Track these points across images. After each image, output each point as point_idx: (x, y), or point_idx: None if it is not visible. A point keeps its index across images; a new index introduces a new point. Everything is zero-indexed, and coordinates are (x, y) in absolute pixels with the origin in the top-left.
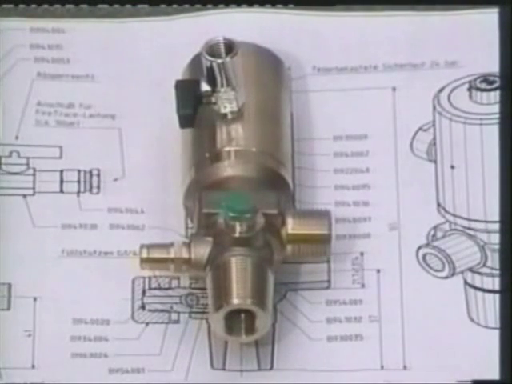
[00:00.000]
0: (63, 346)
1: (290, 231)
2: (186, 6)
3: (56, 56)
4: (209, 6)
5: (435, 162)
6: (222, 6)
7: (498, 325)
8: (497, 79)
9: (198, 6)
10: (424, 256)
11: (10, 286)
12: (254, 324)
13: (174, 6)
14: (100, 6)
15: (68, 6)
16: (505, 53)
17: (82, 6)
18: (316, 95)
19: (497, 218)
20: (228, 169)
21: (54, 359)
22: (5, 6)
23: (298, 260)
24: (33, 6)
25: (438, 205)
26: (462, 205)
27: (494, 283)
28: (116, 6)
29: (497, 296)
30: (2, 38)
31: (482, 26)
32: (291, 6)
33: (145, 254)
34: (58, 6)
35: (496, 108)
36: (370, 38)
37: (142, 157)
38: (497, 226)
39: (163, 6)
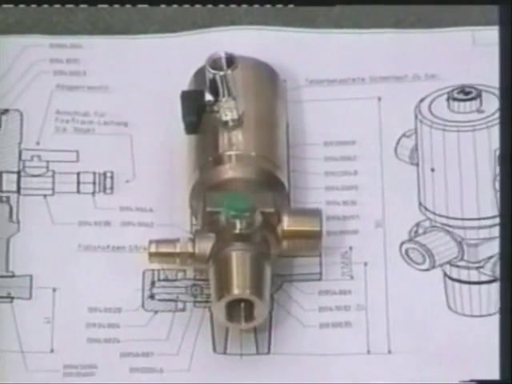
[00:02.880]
0: (79, 332)
1: (285, 228)
2: (186, 5)
3: (73, 69)
4: (211, 6)
5: (417, 165)
6: (224, 24)
7: (473, 313)
8: (473, 90)
9: (200, 22)
10: (407, 250)
11: (31, 277)
12: (252, 312)
13: (174, 5)
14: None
15: (84, 23)
16: (505, 51)
17: (97, 24)
18: (309, 105)
19: (473, 215)
20: (229, 171)
21: (70, 344)
22: (26, 23)
23: (292, 254)
24: (52, 23)
25: (420, 204)
26: (441, 204)
27: (470, 275)
28: (116, 5)
29: (472, 286)
30: (24, 53)
31: (459, 43)
32: (291, 6)
33: (153, 249)
34: (75, 23)
35: (472, 116)
36: (358, 53)
37: (151, 160)
38: (473, 223)
39: (162, 5)
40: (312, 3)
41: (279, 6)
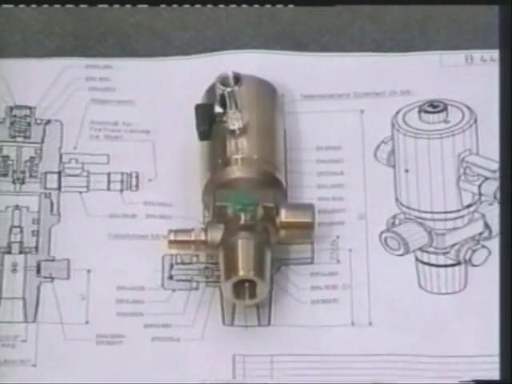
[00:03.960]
0: (109, 306)
1: (282, 220)
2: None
3: (105, 86)
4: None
5: (393, 167)
6: (231, 48)
7: (440, 291)
8: (440, 104)
9: (211, 46)
10: (385, 239)
11: (69, 261)
12: (255, 291)
13: (174, 5)
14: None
15: (114, 48)
16: (505, 52)
17: (125, 48)
18: (303, 116)
19: (441, 209)
20: (236, 172)
21: (102, 317)
22: (66, 48)
23: (289, 242)
24: (87, 47)
25: (396, 199)
26: (413, 199)
27: (438, 259)
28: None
29: (440, 269)
30: (64, 73)
31: (429, 65)
32: (291, 6)
33: (172, 237)
34: (107, 48)
35: (439, 126)
36: (344, 72)
37: (170, 162)
38: (440, 216)
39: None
40: (312, 3)
41: (279, 6)
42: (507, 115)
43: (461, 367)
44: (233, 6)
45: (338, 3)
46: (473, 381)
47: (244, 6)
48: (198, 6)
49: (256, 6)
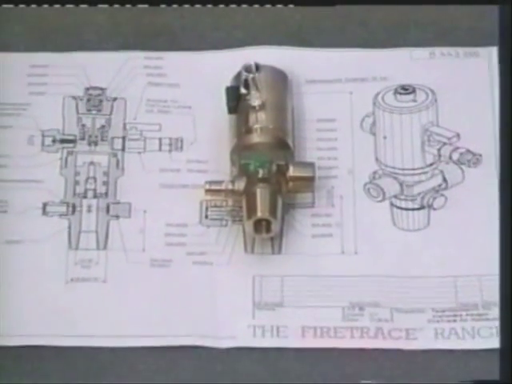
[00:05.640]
0: (160, 238)
1: (291, 174)
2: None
3: (158, 72)
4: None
5: (374, 134)
6: (253, 44)
7: (409, 228)
8: (410, 87)
9: (238, 44)
10: (368, 189)
11: (130, 204)
12: (270, 227)
13: (174, 6)
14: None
15: (165, 43)
16: (505, 52)
17: (173, 44)
18: (306, 96)
19: (410, 166)
20: (256, 138)
21: (155, 246)
22: (132, 43)
23: (295, 191)
24: (146, 44)
25: (376, 159)
26: (389, 159)
27: (407, 204)
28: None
29: (409, 212)
30: (128, 62)
31: (402, 58)
32: (291, 6)
33: (207, 187)
34: (160, 43)
35: (409, 104)
36: (338, 63)
37: (206, 130)
38: (409, 172)
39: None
40: (312, 3)
41: (279, 6)
42: (507, 115)
43: (423, 285)
44: (255, 6)
45: (338, 3)
46: (472, 381)
47: (256, 6)
48: (229, 8)
49: (256, 5)
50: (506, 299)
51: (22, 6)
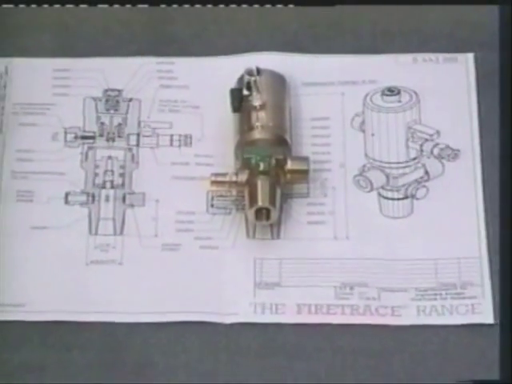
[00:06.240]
0: (171, 224)
1: (288, 167)
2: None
3: (169, 76)
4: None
5: (364, 131)
6: (255, 50)
7: (394, 215)
8: (395, 89)
9: (241, 50)
10: (358, 180)
11: (144, 194)
12: (269, 215)
13: (174, 5)
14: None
15: (176, 49)
16: (505, 52)
17: (183, 50)
18: (303, 97)
19: (394, 160)
20: (257, 134)
21: (166, 232)
22: (145, 49)
23: (292, 182)
24: (158, 50)
25: (365, 154)
26: (377, 154)
27: (393, 195)
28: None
29: (395, 201)
30: (142, 66)
31: (388, 63)
32: (291, 6)
33: (213, 178)
34: (171, 49)
35: (394, 104)
36: (331, 67)
37: (213, 128)
38: (394, 165)
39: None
40: (312, 3)
41: (279, 6)
42: (507, 116)
43: (407, 267)
44: (258, 29)
45: (337, 3)
46: (471, 381)
47: (256, 6)
48: (233, 17)
49: (256, 6)
50: (505, 299)
51: (47, 16)
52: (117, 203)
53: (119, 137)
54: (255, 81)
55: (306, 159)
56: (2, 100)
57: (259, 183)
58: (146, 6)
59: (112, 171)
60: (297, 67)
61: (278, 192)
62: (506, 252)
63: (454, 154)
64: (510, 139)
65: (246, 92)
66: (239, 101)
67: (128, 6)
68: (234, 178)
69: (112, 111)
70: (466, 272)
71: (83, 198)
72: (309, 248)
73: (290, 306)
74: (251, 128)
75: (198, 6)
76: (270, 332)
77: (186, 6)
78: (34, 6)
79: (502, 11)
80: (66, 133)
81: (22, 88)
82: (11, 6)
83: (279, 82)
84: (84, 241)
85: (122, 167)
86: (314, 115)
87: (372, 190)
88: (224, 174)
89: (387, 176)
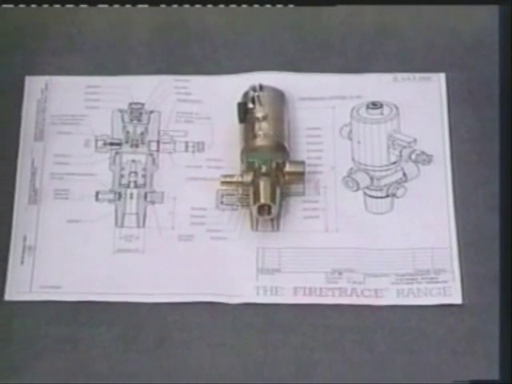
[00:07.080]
0: (186, 219)
1: (287, 170)
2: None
3: (185, 91)
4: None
5: (351, 139)
6: (258, 70)
7: (377, 211)
8: (378, 103)
9: (245, 69)
10: (346, 181)
11: (163, 192)
12: (270, 211)
13: (174, 5)
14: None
15: (191, 69)
16: (504, 52)
17: (197, 70)
18: (299, 110)
19: (377, 164)
20: (259, 142)
21: (182, 224)
22: (164, 68)
23: (290, 183)
24: (176, 69)
25: (352, 159)
26: (362, 158)
27: (376, 193)
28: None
29: (378, 199)
30: (162, 83)
31: (371, 81)
32: (291, 6)
33: (222, 179)
34: (187, 69)
35: (378, 116)
36: (323, 84)
37: (222, 136)
38: (377, 168)
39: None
40: (312, 3)
41: (279, 6)
42: (507, 117)
43: (388, 255)
44: (261, 51)
45: (337, 3)
46: (469, 380)
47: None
48: (240, 42)
49: (256, 5)
50: (505, 305)
51: (81, 40)
52: (140, 200)
53: (142, 143)
54: (258, 96)
55: (302, 163)
56: (42, 112)
57: (261, 183)
58: (167, 30)
59: (136, 173)
60: (294, 84)
61: (278, 191)
62: (506, 252)
63: (429, 159)
64: (510, 139)
65: (250, 105)
66: (244, 113)
67: (128, 6)
68: (240, 179)
69: (136, 121)
70: (438, 260)
71: (111, 195)
72: (304, 239)
73: (287, 289)
74: (255, 136)
75: (211, 30)
76: (271, 311)
77: (201, 30)
78: (72, 31)
79: (502, 11)
80: (96, 140)
81: (59, 102)
82: (50, 31)
83: (279, 97)
84: (111, 232)
85: (144, 169)
86: (308, 125)
87: (358, 189)
88: (232, 176)
89: (371, 177)
